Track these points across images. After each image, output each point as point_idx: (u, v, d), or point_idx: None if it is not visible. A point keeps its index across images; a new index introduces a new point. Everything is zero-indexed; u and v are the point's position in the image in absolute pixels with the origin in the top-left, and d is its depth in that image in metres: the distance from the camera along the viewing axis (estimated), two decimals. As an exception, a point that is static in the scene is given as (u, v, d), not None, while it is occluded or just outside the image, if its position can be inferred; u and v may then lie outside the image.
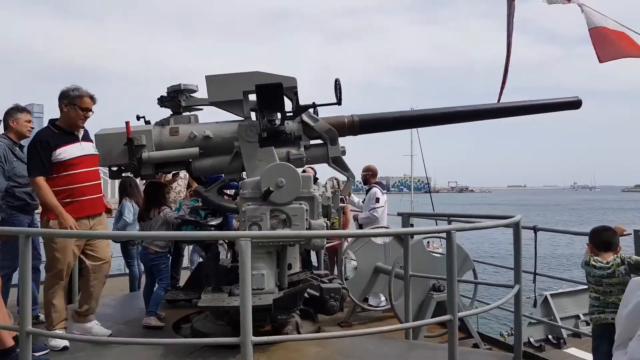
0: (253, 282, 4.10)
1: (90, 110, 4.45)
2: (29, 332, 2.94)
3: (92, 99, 4.46)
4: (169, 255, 5.52)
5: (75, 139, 4.39)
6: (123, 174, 5.02)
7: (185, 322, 5.13)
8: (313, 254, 7.65)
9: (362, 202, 7.96)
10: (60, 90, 4.40)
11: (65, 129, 4.38)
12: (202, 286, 4.74)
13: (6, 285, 4.69)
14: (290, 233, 3.92)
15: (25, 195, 4.82)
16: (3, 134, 4.93)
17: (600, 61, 6.62)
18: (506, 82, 6.57)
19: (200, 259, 7.03)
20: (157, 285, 5.25)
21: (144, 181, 5.72)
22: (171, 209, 5.40)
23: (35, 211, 5.21)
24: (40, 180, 4.17)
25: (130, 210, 6.84)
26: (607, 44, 6.58)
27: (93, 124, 4.44)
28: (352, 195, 8.05)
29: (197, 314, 4.92)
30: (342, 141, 4.92)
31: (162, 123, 4.83)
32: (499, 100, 6.40)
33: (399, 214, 5.43)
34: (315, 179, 5.13)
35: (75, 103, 4.34)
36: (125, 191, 6.93)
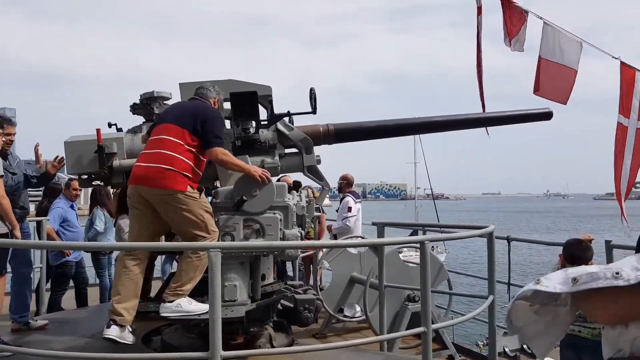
0: (225, 294, 4.02)
1: None
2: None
3: None
4: None
5: None
6: (94, 182, 4.91)
7: (156, 334, 4.99)
8: (289, 263, 7.58)
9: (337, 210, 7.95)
10: (204, 86, 4.26)
11: None
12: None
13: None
14: (262, 244, 3.85)
15: None
16: None
17: (534, 92, 6.41)
18: (484, 92, 6.57)
19: (172, 270, 6.90)
20: None
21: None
22: None
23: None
24: (224, 149, 4.01)
25: (102, 219, 6.76)
26: (549, 80, 6.42)
27: (70, 130, 4.22)
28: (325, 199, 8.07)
29: (168, 326, 4.80)
30: (318, 149, 4.90)
31: (135, 130, 4.73)
32: (483, 109, 6.36)
33: (373, 224, 5.39)
34: (290, 188, 5.07)
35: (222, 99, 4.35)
36: (96, 200, 6.82)
